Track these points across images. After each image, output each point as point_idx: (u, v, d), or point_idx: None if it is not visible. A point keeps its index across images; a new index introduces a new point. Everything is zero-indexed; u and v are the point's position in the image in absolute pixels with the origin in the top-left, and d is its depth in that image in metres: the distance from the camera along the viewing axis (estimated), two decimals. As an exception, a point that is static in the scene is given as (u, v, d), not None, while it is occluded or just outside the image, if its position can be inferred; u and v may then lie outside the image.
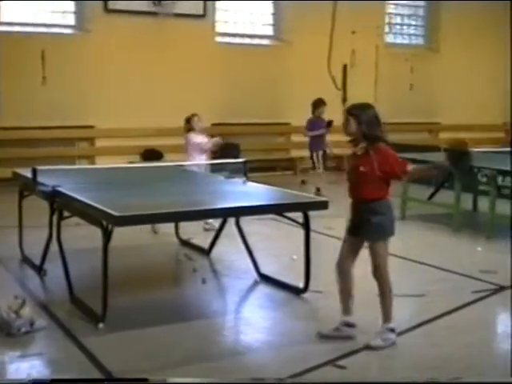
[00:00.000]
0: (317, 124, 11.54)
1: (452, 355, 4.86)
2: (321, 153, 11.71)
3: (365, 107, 5.08)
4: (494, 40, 17.48)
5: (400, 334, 5.22)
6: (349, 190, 5.10)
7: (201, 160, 8.78)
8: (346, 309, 5.18)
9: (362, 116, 4.97)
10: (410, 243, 8.68)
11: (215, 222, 8.02)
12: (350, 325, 5.14)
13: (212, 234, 7.65)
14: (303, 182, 13.00)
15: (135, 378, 4.40)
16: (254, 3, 15.13)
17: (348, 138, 5.15)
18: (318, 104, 11.63)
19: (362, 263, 7.48)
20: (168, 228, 8.27)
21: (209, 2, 13.98)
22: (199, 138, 8.97)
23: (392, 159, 4.95)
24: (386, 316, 5.09)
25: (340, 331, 5.11)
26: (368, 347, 4.92)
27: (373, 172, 4.88)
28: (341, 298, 5.21)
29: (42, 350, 4.91)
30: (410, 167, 5.00)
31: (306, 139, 11.91)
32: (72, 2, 13.21)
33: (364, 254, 7.43)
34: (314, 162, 11.67)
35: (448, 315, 5.69)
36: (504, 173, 9.13)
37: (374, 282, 6.72)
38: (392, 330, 5.04)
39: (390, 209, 5.07)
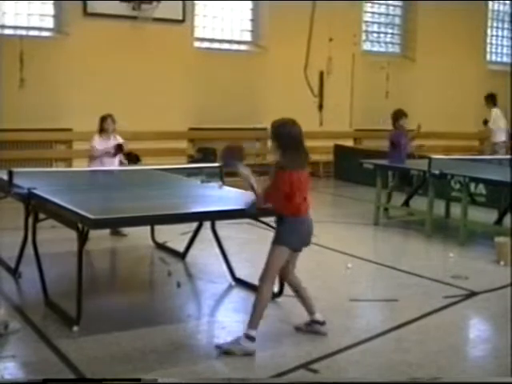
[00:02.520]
0: (400, 136, 10.49)
1: (421, 360, 4.92)
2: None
3: (285, 126, 5.17)
4: (469, 49, 17.73)
5: (371, 338, 5.30)
6: None
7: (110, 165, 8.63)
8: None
9: (278, 136, 5.14)
10: (383, 249, 8.80)
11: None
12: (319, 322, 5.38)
13: (187, 238, 7.68)
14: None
15: (128, 378, 4.43)
16: (232, 9, 15.19)
17: None
18: (399, 115, 10.56)
19: (335, 270, 7.58)
20: (144, 231, 8.28)
21: (188, 8, 14.01)
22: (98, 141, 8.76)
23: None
24: (250, 321, 5.08)
25: (311, 327, 5.39)
26: (218, 347, 5.01)
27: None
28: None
29: (15, 352, 4.90)
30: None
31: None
32: (51, 6, 13.18)
33: (340, 259, 7.52)
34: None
35: (419, 320, 5.76)
36: (477, 180, 9.30)
37: (347, 288, 6.83)
38: (249, 338, 4.98)
39: (295, 224, 5.13)
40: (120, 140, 8.79)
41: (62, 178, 7.67)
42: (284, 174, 5.03)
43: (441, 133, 16.81)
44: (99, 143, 8.67)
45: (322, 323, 5.33)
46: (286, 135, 5.11)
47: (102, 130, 8.76)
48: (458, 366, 4.93)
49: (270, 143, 5.25)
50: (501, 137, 13.01)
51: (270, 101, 14.84)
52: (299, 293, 5.46)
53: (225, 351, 4.93)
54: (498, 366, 4.91)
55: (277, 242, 5.15)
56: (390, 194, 10.59)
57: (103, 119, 8.79)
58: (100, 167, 8.47)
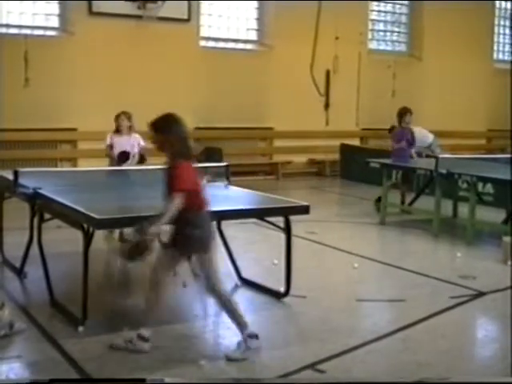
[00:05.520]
0: (402, 135, 10.59)
1: (428, 360, 4.89)
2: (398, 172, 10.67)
3: (170, 121, 4.91)
4: (476, 47, 17.67)
5: (378, 338, 5.26)
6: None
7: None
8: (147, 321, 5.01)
9: (166, 130, 4.86)
10: (390, 248, 8.76)
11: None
12: (143, 338, 4.91)
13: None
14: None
15: (133, 378, 4.42)
16: (238, 8, 15.17)
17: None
18: (404, 113, 10.60)
19: (341, 270, 7.55)
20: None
21: (193, 7, 14.00)
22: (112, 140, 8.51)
23: (176, 175, 4.76)
24: (239, 324, 4.98)
25: (133, 344, 4.89)
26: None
27: (174, 185, 4.75)
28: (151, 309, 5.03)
29: (20, 352, 4.89)
30: (178, 194, 4.69)
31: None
32: (56, 5, 13.18)
33: (346, 259, 7.51)
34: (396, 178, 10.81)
35: (426, 320, 5.72)
36: (484, 179, 9.25)
37: (353, 288, 6.79)
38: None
39: (204, 221, 4.91)
40: (140, 142, 8.57)
41: (68, 178, 7.65)
42: (186, 164, 4.83)
43: (448, 132, 16.75)
44: (111, 142, 8.53)
45: (146, 339, 4.93)
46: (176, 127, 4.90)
47: (117, 131, 8.59)
48: (465, 366, 4.90)
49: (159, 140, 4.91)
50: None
51: (276, 100, 14.84)
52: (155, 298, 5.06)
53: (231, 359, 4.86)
54: (506, 366, 4.86)
55: (198, 249, 4.87)
56: (403, 194, 10.65)
57: (116, 117, 8.63)
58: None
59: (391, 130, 11.15)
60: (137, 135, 8.62)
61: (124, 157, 8.37)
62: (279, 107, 14.90)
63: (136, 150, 8.55)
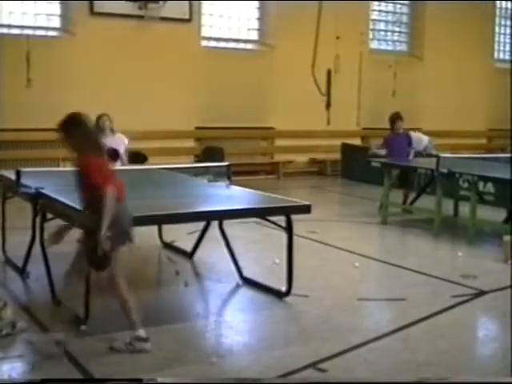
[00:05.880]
0: (395, 140, 10.73)
1: (429, 360, 4.90)
2: (395, 172, 10.40)
3: (71, 122, 4.98)
4: (477, 47, 17.67)
5: (379, 337, 5.27)
6: None
7: None
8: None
9: (69, 131, 4.94)
10: (391, 248, 8.77)
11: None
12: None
13: (194, 237, 7.67)
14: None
15: (129, 378, 4.43)
16: (239, 8, 15.17)
17: None
18: (396, 118, 10.74)
19: (343, 269, 7.56)
20: (151, 231, 8.27)
21: (194, 7, 14.01)
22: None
23: (91, 172, 4.80)
24: (130, 324, 4.94)
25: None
26: (111, 348, 4.87)
27: (86, 180, 4.84)
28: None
29: (22, 352, 4.89)
30: (109, 188, 4.71)
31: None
32: (58, 5, 13.19)
33: (347, 259, 7.51)
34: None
35: (427, 319, 5.73)
36: (485, 179, 9.27)
37: (355, 287, 6.81)
38: (140, 339, 4.88)
39: (123, 213, 4.88)
40: (125, 141, 8.72)
41: (70, 178, 7.65)
42: (97, 159, 4.88)
43: (448, 131, 16.78)
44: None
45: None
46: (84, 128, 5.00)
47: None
48: (466, 366, 4.90)
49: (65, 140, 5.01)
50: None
51: (277, 100, 14.85)
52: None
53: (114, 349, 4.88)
54: (506, 366, 4.87)
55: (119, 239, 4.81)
56: (406, 194, 10.63)
57: (98, 118, 8.74)
58: None
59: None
60: (121, 135, 8.77)
61: (113, 152, 8.41)
62: (280, 107, 14.92)
63: (122, 149, 8.71)
